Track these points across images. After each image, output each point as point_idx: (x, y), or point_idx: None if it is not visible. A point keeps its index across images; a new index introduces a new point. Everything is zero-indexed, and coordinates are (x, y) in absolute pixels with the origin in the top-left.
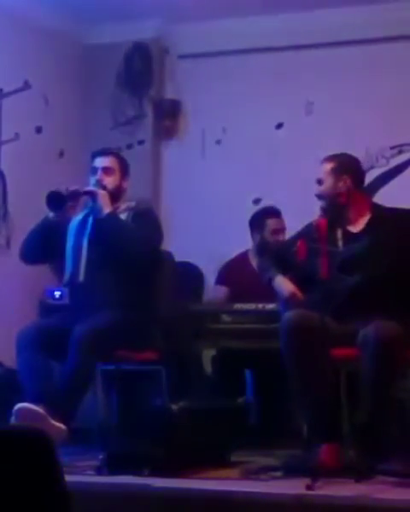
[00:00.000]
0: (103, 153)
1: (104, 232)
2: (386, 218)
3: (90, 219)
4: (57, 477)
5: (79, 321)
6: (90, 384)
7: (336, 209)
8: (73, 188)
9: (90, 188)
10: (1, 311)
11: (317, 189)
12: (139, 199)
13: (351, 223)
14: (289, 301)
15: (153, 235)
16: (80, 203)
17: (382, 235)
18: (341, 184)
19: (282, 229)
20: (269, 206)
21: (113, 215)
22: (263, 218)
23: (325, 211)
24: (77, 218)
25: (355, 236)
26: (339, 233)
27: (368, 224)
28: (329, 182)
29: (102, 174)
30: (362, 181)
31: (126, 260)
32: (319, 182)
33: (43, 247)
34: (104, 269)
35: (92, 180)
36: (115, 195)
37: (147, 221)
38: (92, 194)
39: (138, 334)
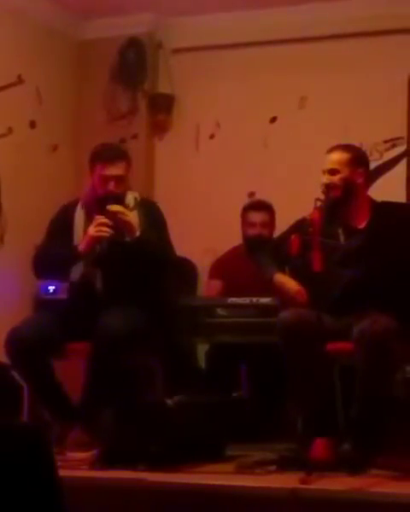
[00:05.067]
0: (115, 158)
1: (131, 252)
2: (389, 214)
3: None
4: (51, 471)
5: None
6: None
7: (343, 201)
8: (106, 234)
9: (124, 216)
10: None
11: (328, 178)
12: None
13: (352, 218)
14: (294, 300)
15: (169, 239)
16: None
17: (385, 230)
18: (356, 176)
19: (262, 223)
20: (257, 199)
21: (142, 237)
22: (244, 210)
23: (330, 202)
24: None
25: (359, 232)
26: (340, 227)
27: (372, 219)
28: (346, 172)
29: (115, 184)
30: (369, 176)
31: (149, 270)
32: (333, 171)
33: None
34: (122, 273)
35: (104, 190)
36: (122, 197)
37: (161, 224)
38: (124, 223)
39: (146, 334)
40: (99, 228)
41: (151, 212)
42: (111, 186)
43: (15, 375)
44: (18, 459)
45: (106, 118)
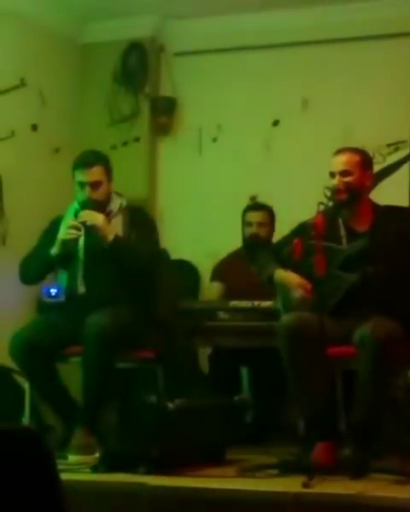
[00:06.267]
0: (88, 164)
1: (110, 257)
2: (392, 218)
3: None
4: (52, 475)
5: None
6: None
7: (349, 204)
8: (73, 236)
9: (88, 223)
10: None
11: (339, 180)
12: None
13: (355, 221)
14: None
15: (156, 243)
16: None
17: (388, 234)
18: (366, 179)
19: (258, 223)
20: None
21: (117, 241)
22: (245, 211)
23: (337, 205)
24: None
25: (361, 236)
26: (342, 230)
27: (375, 223)
28: (357, 174)
29: (90, 190)
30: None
31: (133, 273)
32: (345, 173)
33: (47, 273)
34: (104, 276)
35: (80, 196)
36: (105, 202)
37: (145, 227)
38: (94, 228)
39: (137, 333)
40: (68, 230)
41: (137, 217)
42: (87, 192)
43: (17, 378)
44: (19, 463)
45: (108, 121)
